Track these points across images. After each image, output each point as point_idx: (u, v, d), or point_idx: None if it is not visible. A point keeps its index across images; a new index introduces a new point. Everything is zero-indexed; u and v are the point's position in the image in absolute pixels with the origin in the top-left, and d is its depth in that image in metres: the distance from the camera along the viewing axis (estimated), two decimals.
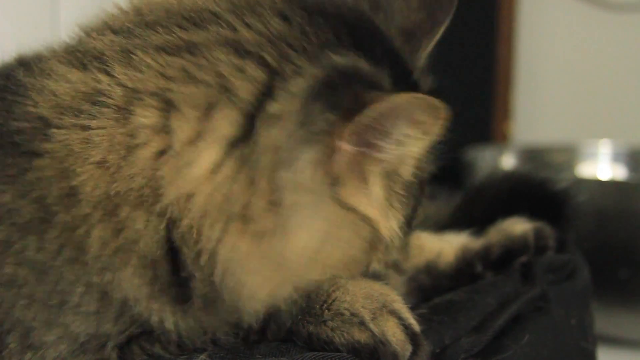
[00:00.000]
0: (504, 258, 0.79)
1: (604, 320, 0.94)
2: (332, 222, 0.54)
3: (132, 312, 0.55)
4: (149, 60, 0.55)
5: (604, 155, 1.48)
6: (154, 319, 0.55)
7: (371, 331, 0.55)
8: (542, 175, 0.94)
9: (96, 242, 0.54)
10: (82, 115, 0.54)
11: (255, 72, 0.53)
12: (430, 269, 0.81)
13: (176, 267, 0.55)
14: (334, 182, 0.53)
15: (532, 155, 1.48)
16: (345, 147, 0.52)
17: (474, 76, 1.67)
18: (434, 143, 0.55)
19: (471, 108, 1.63)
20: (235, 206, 0.52)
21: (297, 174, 0.50)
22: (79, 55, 0.58)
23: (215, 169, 0.52)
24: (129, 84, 0.54)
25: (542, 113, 1.87)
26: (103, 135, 0.53)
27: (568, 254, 0.82)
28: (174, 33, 0.56)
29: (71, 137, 0.54)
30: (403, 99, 0.50)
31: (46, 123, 0.55)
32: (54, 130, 0.54)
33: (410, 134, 0.53)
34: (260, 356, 0.54)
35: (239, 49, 0.54)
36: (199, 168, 0.52)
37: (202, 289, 0.54)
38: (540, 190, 0.90)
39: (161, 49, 0.55)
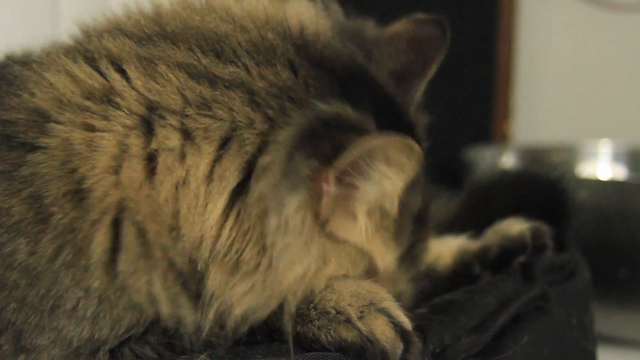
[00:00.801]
0: (502, 259, 0.79)
1: (604, 320, 0.94)
2: (325, 254, 0.56)
3: (138, 314, 0.55)
4: (170, 75, 0.55)
5: (604, 155, 1.48)
6: (171, 316, 0.55)
7: (358, 329, 0.55)
8: (547, 175, 0.93)
9: (102, 246, 0.53)
10: (87, 114, 0.54)
11: (262, 125, 0.54)
12: (429, 272, 0.81)
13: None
14: (324, 221, 0.55)
15: (533, 155, 1.48)
16: (329, 189, 0.54)
17: (474, 76, 1.66)
18: (412, 180, 0.57)
19: (471, 108, 1.63)
20: (233, 253, 0.53)
21: (285, 219, 0.52)
22: (87, 53, 0.57)
23: (224, 217, 0.53)
24: (148, 94, 0.54)
25: (543, 113, 1.87)
26: (112, 140, 0.53)
27: (568, 253, 0.82)
28: (196, 56, 0.56)
29: (73, 135, 0.53)
30: (378, 140, 0.52)
31: (44, 116, 0.54)
32: (53, 124, 0.53)
33: (387, 173, 0.55)
34: (260, 356, 0.54)
35: (253, 98, 0.55)
36: (214, 214, 0.53)
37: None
38: (546, 191, 0.90)
39: (182, 68, 0.55)
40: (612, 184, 1.16)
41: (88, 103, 0.54)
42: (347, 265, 0.59)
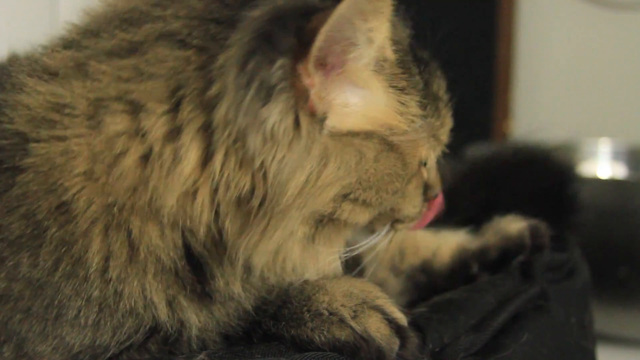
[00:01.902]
0: (501, 259, 0.79)
1: (603, 319, 0.94)
2: (328, 154, 0.53)
3: (138, 320, 0.55)
4: (103, 67, 0.54)
5: (603, 153, 1.48)
6: (171, 319, 0.55)
7: (351, 328, 0.56)
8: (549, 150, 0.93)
9: (98, 255, 0.53)
10: (57, 126, 0.54)
11: (198, 58, 0.52)
12: (425, 268, 0.81)
13: (199, 271, 0.55)
14: (322, 116, 0.52)
15: None
16: (312, 81, 0.50)
17: (473, 75, 1.66)
18: (393, 14, 0.54)
19: (471, 106, 1.63)
20: (235, 192, 0.52)
21: (271, 131, 0.49)
22: (40, 71, 0.57)
23: (206, 159, 0.52)
24: (91, 95, 0.54)
25: (542, 111, 1.87)
26: (82, 144, 0.53)
27: (568, 252, 0.82)
28: (117, 37, 0.55)
29: (51, 149, 0.53)
30: (344, 5, 0.49)
31: (24, 138, 0.54)
32: (33, 144, 0.54)
33: (371, 26, 0.52)
34: (259, 356, 0.54)
35: (176, 39, 0.53)
36: (189, 163, 0.51)
37: (223, 286, 0.56)
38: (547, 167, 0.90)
39: (111, 54, 0.55)
40: (612, 183, 1.16)
41: (55, 116, 0.54)
42: (354, 164, 0.54)
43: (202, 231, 0.53)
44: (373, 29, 0.52)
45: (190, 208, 0.52)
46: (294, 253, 0.55)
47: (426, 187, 0.65)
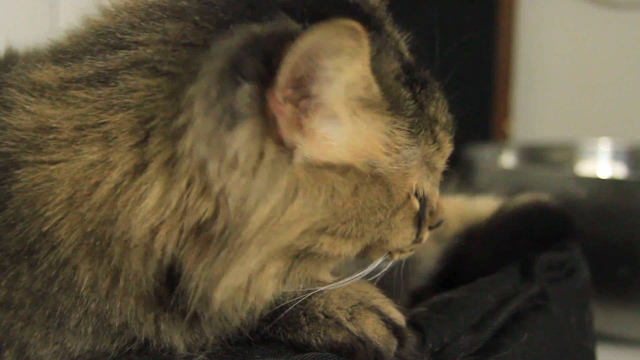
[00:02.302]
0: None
1: (603, 319, 0.94)
2: (298, 187, 0.50)
3: (132, 333, 0.55)
4: (83, 95, 0.53)
5: (603, 153, 1.48)
6: (157, 338, 0.55)
7: (348, 330, 0.55)
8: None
9: (87, 279, 0.53)
10: (43, 150, 0.53)
11: (168, 85, 0.51)
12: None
13: (176, 290, 0.53)
14: (292, 146, 0.50)
15: (532, 153, 1.48)
16: (284, 108, 0.48)
17: (473, 74, 1.66)
18: (373, 54, 0.51)
19: (471, 106, 1.63)
20: (194, 218, 0.50)
21: (233, 158, 0.48)
22: (30, 86, 0.56)
23: (165, 195, 0.50)
24: (74, 121, 0.53)
25: (542, 111, 1.87)
26: (64, 170, 0.52)
27: (568, 252, 0.82)
28: (94, 64, 0.54)
29: (36, 174, 0.53)
30: (315, 34, 0.47)
31: (13, 162, 0.53)
32: (21, 169, 0.53)
33: (339, 65, 0.49)
34: (259, 356, 0.54)
35: (148, 66, 0.52)
36: (153, 197, 0.50)
37: (202, 311, 0.54)
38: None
39: (89, 82, 0.53)
40: (612, 182, 1.16)
41: (41, 139, 0.53)
42: (325, 200, 0.51)
43: (168, 263, 0.52)
44: (341, 68, 0.49)
45: (156, 241, 0.51)
46: (266, 291, 0.53)
47: (428, 214, 0.62)
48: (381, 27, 0.59)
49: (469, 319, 0.64)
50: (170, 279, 0.53)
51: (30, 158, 0.53)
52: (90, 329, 0.54)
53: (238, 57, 0.47)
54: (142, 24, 0.55)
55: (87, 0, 0.60)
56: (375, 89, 0.53)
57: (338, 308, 0.56)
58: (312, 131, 0.51)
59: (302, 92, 0.50)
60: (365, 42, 0.49)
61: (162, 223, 0.50)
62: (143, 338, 0.55)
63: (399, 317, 0.58)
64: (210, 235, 0.50)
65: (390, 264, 0.63)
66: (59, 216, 0.52)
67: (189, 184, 0.49)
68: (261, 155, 0.48)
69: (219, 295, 0.51)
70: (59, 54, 0.57)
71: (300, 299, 0.57)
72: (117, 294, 0.53)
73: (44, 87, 0.55)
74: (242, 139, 0.47)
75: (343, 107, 0.51)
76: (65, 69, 0.55)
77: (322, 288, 0.57)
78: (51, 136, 0.53)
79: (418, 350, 0.57)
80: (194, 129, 0.47)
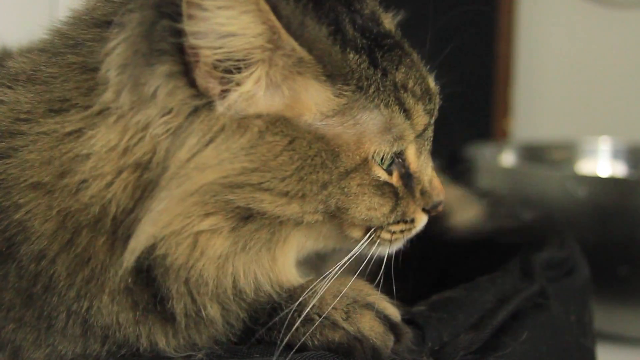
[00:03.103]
0: None
1: (603, 317, 0.94)
2: (214, 129, 0.51)
3: (117, 336, 0.54)
4: (52, 70, 0.54)
5: (603, 152, 1.48)
6: (144, 342, 0.54)
7: (345, 330, 0.55)
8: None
9: (63, 272, 0.53)
10: (17, 137, 0.54)
11: (108, 42, 0.52)
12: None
13: (154, 289, 0.54)
14: (206, 92, 0.51)
15: (532, 152, 1.48)
16: (197, 53, 0.50)
17: (473, 73, 1.66)
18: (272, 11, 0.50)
19: (471, 105, 1.63)
20: (131, 160, 0.51)
21: (150, 94, 0.50)
22: (7, 78, 0.57)
23: (107, 140, 0.51)
24: (44, 99, 0.54)
25: (542, 110, 1.87)
26: (33, 151, 0.53)
27: (567, 250, 0.82)
28: (63, 32, 0.57)
29: (10, 162, 0.53)
30: None
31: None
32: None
33: (226, 18, 0.49)
34: (258, 355, 0.54)
35: (101, 22, 0.54)
36: (99, 143, 0.51)
37: (181, 307, 0.54)
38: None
39: (58, 54, 0.55)
40: (612, 181, 1.16)
41: (16, 127, 0.54)
42: (249, 148, 0.51)
43: (121, 216, 0.52)
44: (225, 23, 0.49)
45: (109, 192, 0.52)
46: (212, 248, 0.52)
47: (418, 193, 0.61)
48: None
49: (468, 318, 0.64)
50: (141, 276, 0.53)
51: (3, 147, 0.54)
52: (78, 331, 0.54)
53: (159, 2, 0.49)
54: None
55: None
56: (300, 52, 0.52)
57: (333, 308, 0.56)
58: (227, 81, 0.51)
59: (207, 43, 0.50)
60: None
61: (109, 167, 0.51)
62: (130, 342, 0.54)
63: (394, 313, 0.58)
64: (147, 179, 0.51)
65: (387, 249, 0.61)
66: (32, 204, 0.52)
67: (124, 128, 0.51)
68: (177, 95, 0.50)
69: (137, 243, 0.51)
70: (36, 47, 0.59)
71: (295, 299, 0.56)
72: (93, 290, 0.53)
73: (17, 74, 0.56)
74: (160, 75, 0.49)
75: (256, 62, 0.51)
76: (39, 54, 0.57)
77: (314, 284, 0.57)
78: (26, 119, 0.54)
79: (415, 345, 0.57)
80: (116, 59, 0.50)
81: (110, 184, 0.51)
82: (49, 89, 0.54)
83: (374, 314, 0.57)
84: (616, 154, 1.48)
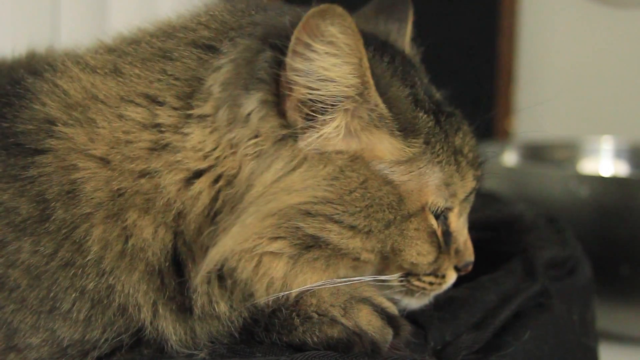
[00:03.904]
0: None
1: (605, 317, 0.94)
2: (300, 157, 0.55)
3: (128, 319, 0.55)
4: (136, 71, 0.58)
5: (606, 151, 1.48)
6: (152, 325, 0.56)
7: (343, 325, 0.56)
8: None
9: (97, 244, 0.54)
10: (89, 111, 0.57)
11: (216, 60, 0.56)
12: None
13: (182, 278, 0.56)
14: (297, 126, 0.55)
15: (534, 151, 1.48)
16: (291, 87, 0.54)
17: (475, 72, 1.66)
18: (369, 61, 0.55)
19: (473, 104, 1.63)
20: (217, 173, 0.55)
21: (245, 117, 0.54)
22: (84, 64, 0.60)
23: (201, 146, 0.55)
24: (122, 93, 0.57)
25: (544, 109, 1.86)
26: (106, 129, 0.56)
27: (569, 250, 0.82)
28: (153, 44, 0.60)
29: (77, 131, 0.56)
30: (299, 26, 0.52)
31: (52, 122, 0.57)
32: (60, 127, 0.56)
33: (320, 49, 0.54)
34: (260, 354, 0.54)
35: (200, 44, 0.58)
36: (190, 143, 0.55)
37: (203, 301, 0.56)
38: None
39: (145, 60, 0.59)
40: (614, 181, 1.15)
41: (89, 103, 0.57)
42: (330, 180, 0.56)
43: (192, 222, 0.55)
44: (328, 68, 0.54)
45: (187, 194, 0.55)
46: (274, 269, 0.56)
47: (453, 252, 0.64)
48: (397, 56, 0.63)
49: (471, 318, 0.64)
50: (175, 263, 0.56)
51: (74, 117, 0.57)
52: (82, 315, 0.55)
53: (268, 31, 0.55)
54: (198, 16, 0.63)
55: (88, 1, 0.61)
56: (382, 109, 0.57)
57: (331, 305, 0.57)
58: (311, 119, 0.55)
59: (304, 81, 0.54)
60: (357, 36, 0.53)
61: (192, 167, 0.55)
62: (139, 324, 0.56)
63: (391, 306, 0.59)
64: (230, 193, 0.54)
65: (414, 301, 0.63)
66: (90, 171, 0.55)
67: (217, 139, 0.55)
68: (268, 122, 0.54)
69: (215, 252, 0.54)
70: (113, 46, 0.63)
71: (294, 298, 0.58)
72: (123, 268, 0.55)
73: (97, 67, 0.60)
74: (255, 101, 0.53)
75: (340, 115, 0.56)
76: (118, 56, 0.61)
77: (313, 285, 0.58)
78: (99, 101, 0.57)
79: (414, 338, 0.58)
80: (221, 77, 0.55)
81: (187, 182, 0.55)
82: (130, 85, 0.57)
83: (371, 308, 0.58)
84: (618, 154, 1.47)
